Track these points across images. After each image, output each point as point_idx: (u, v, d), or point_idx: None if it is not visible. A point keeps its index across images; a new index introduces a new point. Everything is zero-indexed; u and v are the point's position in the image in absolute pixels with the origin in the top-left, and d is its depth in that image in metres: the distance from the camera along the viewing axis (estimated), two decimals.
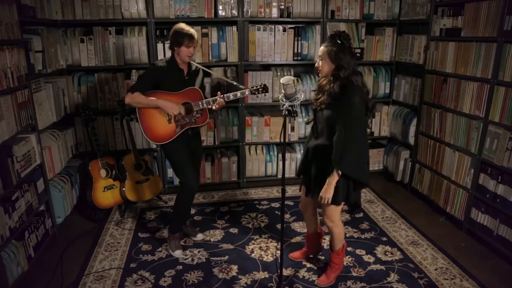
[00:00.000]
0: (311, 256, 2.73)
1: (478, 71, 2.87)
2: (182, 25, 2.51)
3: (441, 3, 3.27)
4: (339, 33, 2.08)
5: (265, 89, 2.62)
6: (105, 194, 3.27)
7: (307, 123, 2.45)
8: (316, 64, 2.19)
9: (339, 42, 2.05)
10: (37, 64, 2.84)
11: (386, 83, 4.02)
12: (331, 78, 2.09)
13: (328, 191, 2.12)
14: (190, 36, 2.47)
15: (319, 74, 2.17)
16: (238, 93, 2.60)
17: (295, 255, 2.69)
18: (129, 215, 3.38)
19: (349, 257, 2.73)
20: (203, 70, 2.77)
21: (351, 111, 2.02)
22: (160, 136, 2.61)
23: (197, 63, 2.88)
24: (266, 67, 3.89)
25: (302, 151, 2.51)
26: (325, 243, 2.90)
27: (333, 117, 2.08)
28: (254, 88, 2.62)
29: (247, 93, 2.61)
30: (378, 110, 4.09)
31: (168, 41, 2.58)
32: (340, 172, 2.08)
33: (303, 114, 3.93)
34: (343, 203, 2.25)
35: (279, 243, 2.52)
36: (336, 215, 2.28)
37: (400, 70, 4.02)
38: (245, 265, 2.65)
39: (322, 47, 2.13)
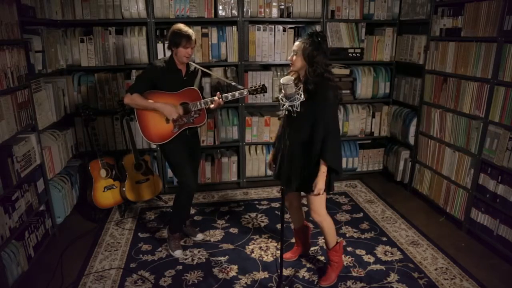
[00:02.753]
0: (310, 254, 2.74)
1: (478, 71, 2.87)
2: (180, 26, 2.51)
3: (441, 3, 3.26)
4: (317, 32, 2.13)
5: (263, 89, 2.63)
6: (105, 194, 3.28)
7: (279, 119, 2.45)
8: (289, 57, 2.22)
9: (316, 41, 2.10)
10: (37, 64, 2.84)
11: (386, 83, 4.02)
12: (306, 76, 2.15)
13: (320, 182, 2.19)
14: (188, 37, 2.47)
15: (291, 67, 2.22)
16: (237, 93, 2.60)
17: (287, 255, 2.69)
18: (129, 215, 3.38)
19: (349, 257, 2.73)
20: (202, 70, 2.77)
21: (328, 107, 2.14)
22: (158, 136, 2.61)
23: (197, 63, 2.89)
24: (266, 67, 3.89)
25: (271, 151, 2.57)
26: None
27: (309, 113, 2.14)
28: (253, 88, 2.63)
29: (245, 93, 2.62)
30: (378, 110, 4.09)
31: (167, 42, 2.58)
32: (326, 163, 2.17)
33: None
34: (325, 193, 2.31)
35: (279, 243, 2.52)
36: (322, 209, 2.33)
37: (400, 70, 4.02)
38: (245, 265, 2.65)
39: (298, 42, 2.17)
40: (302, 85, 2.13)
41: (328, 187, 2.27)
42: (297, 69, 2.18)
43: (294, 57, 2.17)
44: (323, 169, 2.17)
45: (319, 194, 2.21)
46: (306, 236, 2.71)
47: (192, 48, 2.53)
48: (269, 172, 3.98)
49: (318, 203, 2.31)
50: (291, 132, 2.24)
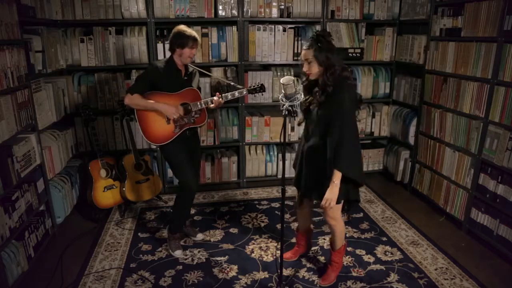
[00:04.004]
0: (310, 254, 2.74)
1: (478, 71, 2.87)
2: (184, 27, 2.53)
3: (441, 3, 3.26)
4: (322, 33, 2.06)
5: (262, 88, 2.64)
6: (105, 194, 3.28)
7: (299, 124, 2.43)
8: (304, 69, 2.11)
9: (325, 41, 2.03)
10: (37, 64, 2.84)
11: (386, 83, 4.02)
12: (324, 79, 2.06)
13: (333, 193, 2.08)
14: (194, 38, 2.50)
15: (309, 77, 2.13)
16: (236, 93, 2.62)
17: (288, 255, 2.68)
18: (129, 215, 3.38)
19: (349, 257, 2.73)
20: (200, 71, 2.78)
21: (343, 109, 2.03)
22: (159, 137, 2.61)
23: (197, 63, 2.90)
24: (266, 67, 3.89)
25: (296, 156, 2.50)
26: (325, 243, 2.90)
27: (325, 116, 2.09)
28: (252, 87, 2.64)
29: (244, 92, 2.63)
30: (378, 110, 4.09)
31: (168, 42, 2.59)
32: (340, 172, 2.06)
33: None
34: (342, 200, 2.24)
35: (279, 243, 2.52)
36: (338, 213, 2.28)
37: (400, 70, 4.02)
38: (245, 265, 2.65)
39: (306, 50, 2.07)
40: (319, 89, 2.09)
41: (347, 195, 2.19)
42: (316, 76, 2.11)
43: (309, 66, 2.08)
44: (335, 179, 2.05)
45: (329, 206, 2.09)
46: (309, 238, 2.70)
47: (196, 49, 2.56)
48: (269, 172, 3.99)
49: (335, 210, 2.24)
50: (308, 136, 2.22)
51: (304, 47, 2.09)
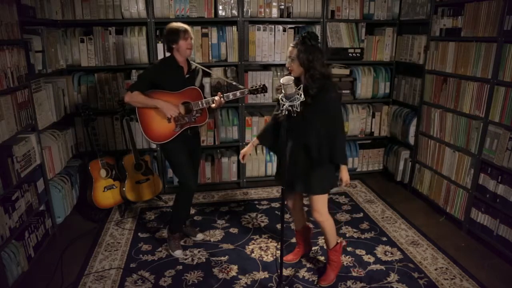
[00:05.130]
0: (311, 255, 2.74)
1: (478, 71, 2.87)
2: (173, 23, 2.54)
3: (441, 3, 3.27)
4: (309, 36, 2.11)
5: (264, 89, 2.64)
6: (105, 194, 3.28)
7: (278, 119, 2.34)
8: (287, 64, 2.21)
9: (309, 44, 2.09)
10: (37, 64, 2.84)
11: (386, 83, 4.02)
12: (305, 82, 2.13)
13: (345, 175, 2.24)
14: (184, 29, 2.50)
15: (291, 74, 2.21)
16: (238, 93, 2.61)
17: (289, 257, 2.68)
18: (129, 215, 3.38)
19: (349, 257, 2.73)
20: (202, 70, 2.78)
21: (333, 108, 2.14)
22: (159, 136, 2.61)
23: (197, 63, 2.89)
24: (266, 67, 3.89)
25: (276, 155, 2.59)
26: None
27: (313, 116, 2.14)
28: (253, 88, 2.63)
29: (246, 93, 2.63)
30: (378, 110, 4.09)
31: (164, 43, 2.58)
32: (345, 164, 2.23)
33: None
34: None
35: (279, 243, 2.52)
36: (324, 208, 2.33)
37: (400, 70, 4.02)
38: (245, 265, 2.65)
39: (292, 48, 2.15)
40: (302, 88, 2.13)
41: (332, 184, 2.31)
42: (297, 75, 2.18)
43: (292, 64, 2.16)
44: (343, 176, 2.23)
45: (348, 185, 2.27)
46: (308, 237, 2.71)
47: (191, 39, 2.55)
48: (269, 172, 3.99)
49: (321, 203, 2.30)
50: (294, 135, 2.23)
51: (291, 44, 2.17)
